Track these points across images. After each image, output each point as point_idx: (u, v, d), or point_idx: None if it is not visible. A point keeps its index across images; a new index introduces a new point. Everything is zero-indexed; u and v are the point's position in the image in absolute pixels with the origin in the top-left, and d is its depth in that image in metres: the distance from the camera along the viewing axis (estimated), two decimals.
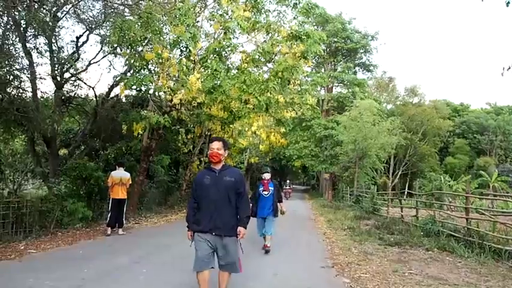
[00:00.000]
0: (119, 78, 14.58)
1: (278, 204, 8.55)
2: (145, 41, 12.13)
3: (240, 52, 12.89)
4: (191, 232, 4.48)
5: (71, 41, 14.30)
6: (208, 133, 19.16)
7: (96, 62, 14.63)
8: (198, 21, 13.80)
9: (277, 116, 16.67)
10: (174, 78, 12.90)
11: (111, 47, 13.52)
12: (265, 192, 8.40)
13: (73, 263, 6.86)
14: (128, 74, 14.15)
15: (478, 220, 10.18)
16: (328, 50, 36.21)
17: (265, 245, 8.41)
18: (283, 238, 10.30)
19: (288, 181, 40.45)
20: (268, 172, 8.63)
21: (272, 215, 8.40)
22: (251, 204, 8.04)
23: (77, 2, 12.37)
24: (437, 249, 9.04)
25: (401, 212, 14.74)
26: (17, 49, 11.03)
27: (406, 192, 30.07)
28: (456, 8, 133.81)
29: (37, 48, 12.15)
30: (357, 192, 23.36)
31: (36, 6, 10.83)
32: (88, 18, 13.50)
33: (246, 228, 4.46)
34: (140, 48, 12.34)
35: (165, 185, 18.09)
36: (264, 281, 6.22)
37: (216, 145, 4.44)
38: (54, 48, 12.97)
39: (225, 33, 12.01)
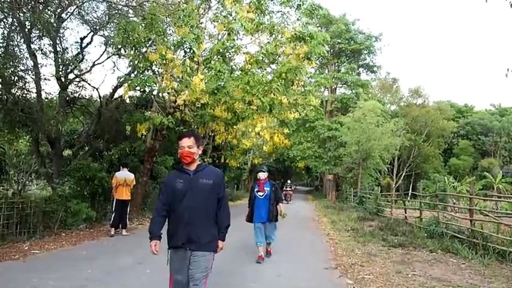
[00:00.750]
0: (122, 79, 14.60)
1: (278, 206, 7.75)
2: (149, 42, 12.17)
3: (244, 53, 12.88)
4: (155, 242, 3.66)
5: (75, 42, 14.37)
6: (212, 134, 19.18)
7: (100, 63, 14.67)
8: (201, 23, 13.80)
9: (281, 117, 16.65)
10: (177, 79, 12.91)
11: (115, 48, 13.56)
12: (260, 194, 7.56)
13: (77, 264, 6.89)
14: (132, 75, 14.18)
15: (482, 221, 10.14)
16: (331, 51, 36.17)
17: (267, 249, 8.04)
18: (286, 239, 10.30)
19: (289, 181, 33.92)
20: (263, 171, 7.86)
21: (271, 220, 7.65)
22: (248, 209, 7.81)
23: (81, 4, 12.41)
24: (441, 251, 9.02)
25: (405, 213, 14.71)
26: (21, 50, 11.09)
27: (409, 194, 29.99)
28: (460, 8, 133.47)
29: (41, 50, 12.20)
30: (361, 194, 23.31)
31: (40, 8, 10.88)
32: (92, 20, 13.55)
33: (224, 240, 3.76)
34: (144, 49, 12.36)
35: None
36: (267, 282, 6.22)
37: (186, 142, 3.56)
38: (58, 49, 13.02)
39: (228, 34, 12.03)
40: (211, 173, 3.66)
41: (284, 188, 29.14)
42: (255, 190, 7.67)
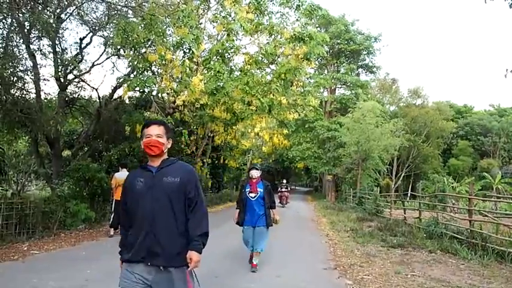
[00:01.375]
0: (122, 79, 14.62)
1: (270, 210, 6.89)
2: (149, 43, 12.19)
3: (243, 54, 12.93)
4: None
5: (75, 43, 14.43)
6: (212, 134, 19.21)
7: (99, 64, 14.71)
8: (201, 23, 13.84)
9: (280, 117, 16.70)
10: (177, 80, 12.94)
11: (114, 49, 13.58)
12: (252, 195, 6.73)
13: (76, 264, 6.89)
14: (131, 76, 14.20)
15: (481, 222, 10.14)
16: (331, 51, 36.17)
17: (253, 263, 6.81)
18: (286, 239, 10.30)
19: (284, 181, 28.57)
20: (256, 169, 7.03)
21: (263, 225, 6.71)
22: (237, 210, 6.95)
23: (80, 4, 12.41)
24: (440, 251, 9.01)
25: (404, 213, 14.71)
26: (20, 51, 11.10)
27: (409, 194, 29.98)
28: (459, 9, 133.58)
29: (41, 50, 12.21)
30: (360, 194, 23.31)
31: (40, 8, 10.88)
32: (92, 20, 13.56)
33: (200, 252, 2.78)
34: (143, 50, 12.38)
35: None
36: (267, 282, 6.22)
37: (155, 130, 2.86)
38: (57, 49, 13.03)
39: (228, 34, 12.05)
40: (178, 170, 2.89)
41: (279, 189, 25.54)
42: (247, 190, 6.81)
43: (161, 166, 2.88)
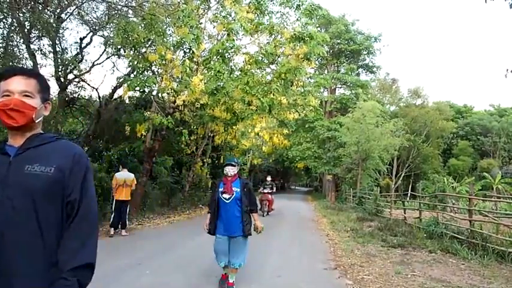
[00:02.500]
0: (122, 79, 14.62)
1: (251, 215, 5.60)
2: (149, 43, 12.19)
3: (243, 54, 12.92)
4: None
5: (75, 43, 14.43)
6: (212, 134, 19.21)
7: (99, 64, 14.69)
8: (201, 23, 13.83)
9: (280, 117, 16.71)
10: (177, 80, 12.94)
11: (114, 49, 13.58)
12: (226, 196, 5.42)
13: None
14: (132, 76, 14.19)
15: (481, 222, 10.15)
16: (331, 51, 36.18)
17: (228, 282, 5.56)
18: (286, 239, 10.30)
19: (268, 178, 18.76)
20: (232, 165, 5.56)
21: (240, 234, 5.40)
22: (208, 215, 5.67)
23: (80, 4, 12.41)
24: (441, 251, 9.02)
25: (405, 213, 14.71)
26: (21, 50, 11.10)
27: (409, 194, 29.98)
28: (460, 9, 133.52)
29: (41, 50, 12.22)
30: (360, 194, 23.32)
31: (40, 8, 10.88)
32: (92, 20, 13.54)
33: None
34: (144, 50, 12.39)
35: (168, 186, 18.12)
36: (267, 282, 6.22)
37: (18, 85, 1.69)
38: (58, 49, 13.02)
39: (228, 34, 12.05)
40: (55, 153, 1.72)
41: (261, 190, 18.13)
42: (220, 190, 5.51)
43: (26, 146, 1.70)
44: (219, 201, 5.46)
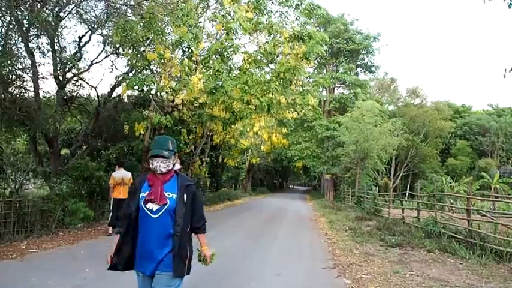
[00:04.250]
0: (121, 78, 14.58)
1: (197, 236, 3.33)
2: (148, 41, 12.17)
3: (242, 53, 12.91)
4: None
5: (73, 41, 14.35)
6: (210, 133, 19.20)
7: (98, 62, 14.66)
8: (200, 22, 13.82)
9: (279, 116, 16.70)
10: (176, 79, 12.92)
11: (113, 47, 13.55)
12: (153, 207, 3.06)
13: (75, 263, 6.88)
14: (130, 74, 14.16)
15: (479, 222, 10.18)
16: (330, 51, 36.19)
17: None
18: (285, 238, 10.31)
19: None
20: (164, 156, 3.12)
21: (170, 270, 3.03)
22: (117, 236, 3.27)
23: (79, 2, 12.37)
24: (439, 251, 9.04)
25: (403, 213, 14.74)
26: (19, 49, 11.04)
27: (407, 194, 30.02)
28: (458, 9, 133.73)
29: (39, 48, 12.16)
30: (359, 193, 23.34)
31: (38, 6, 10.83)
32: (90, 18, 13.51)
33: None
34: (142, 49, 12.36)
35: None
36: (267, 281, 6.22)
37: None
38: (56, 48, 12.99)
39: (227, 33, 12.03)
40: None
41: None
42: (141, 197, 3.13)
43: None
44: (139, 215, 3.12)
